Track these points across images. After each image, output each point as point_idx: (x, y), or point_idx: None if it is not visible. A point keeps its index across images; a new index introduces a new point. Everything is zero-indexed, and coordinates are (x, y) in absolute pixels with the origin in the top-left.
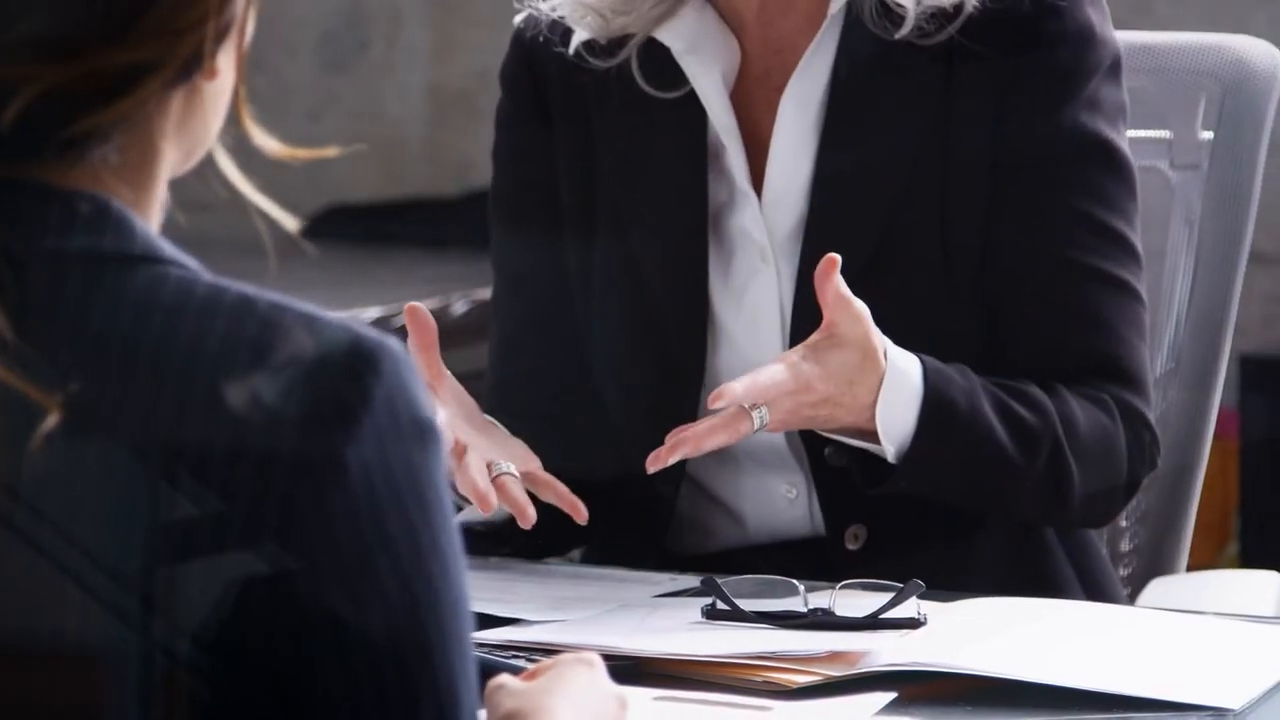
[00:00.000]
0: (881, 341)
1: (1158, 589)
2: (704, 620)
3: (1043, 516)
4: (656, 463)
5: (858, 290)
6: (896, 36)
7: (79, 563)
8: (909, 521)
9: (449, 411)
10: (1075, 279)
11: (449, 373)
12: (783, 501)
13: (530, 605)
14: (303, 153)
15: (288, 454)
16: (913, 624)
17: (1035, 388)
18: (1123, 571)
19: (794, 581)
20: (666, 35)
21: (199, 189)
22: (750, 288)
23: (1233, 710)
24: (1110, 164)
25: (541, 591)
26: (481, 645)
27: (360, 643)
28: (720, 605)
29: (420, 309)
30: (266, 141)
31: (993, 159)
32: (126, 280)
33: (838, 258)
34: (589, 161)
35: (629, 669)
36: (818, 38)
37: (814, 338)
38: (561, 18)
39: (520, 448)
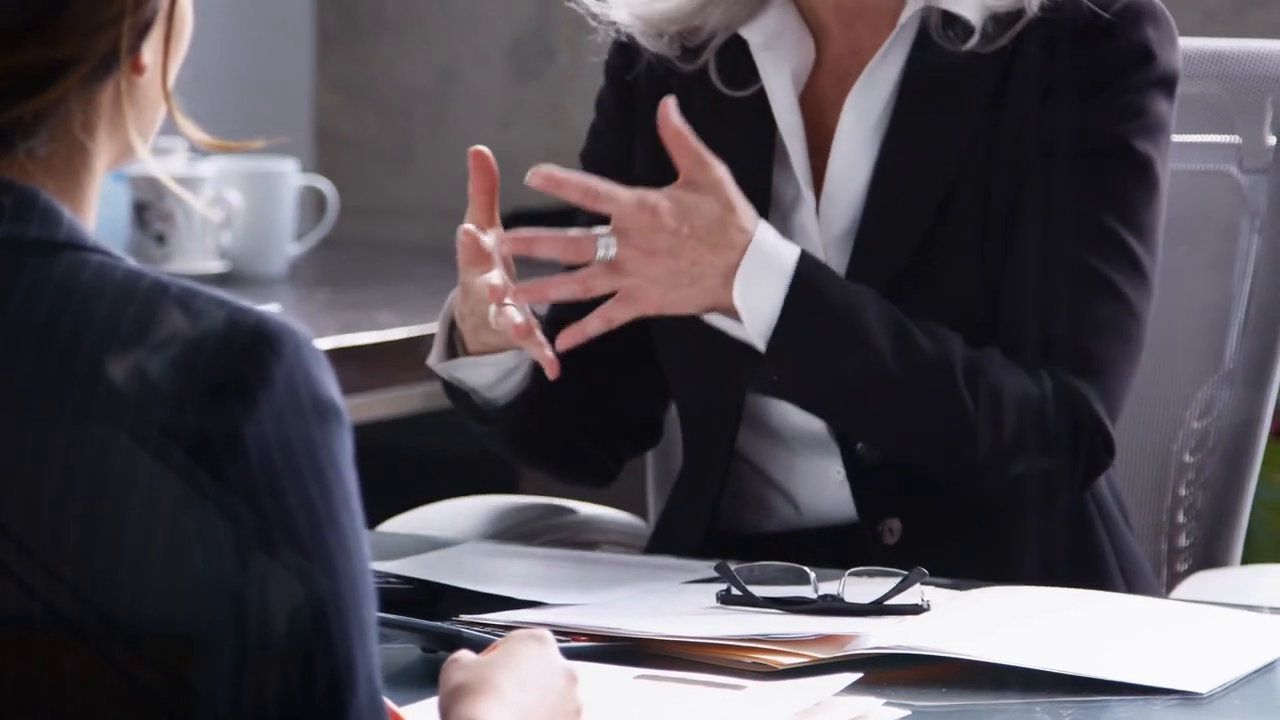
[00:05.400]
0: (750, 212)
1: (1197, 582)
2: (718, 605)
3: (948, 457)
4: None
5: (901, 284)
6: (964, 48)
7: None
8: (944, 515)
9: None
10: (1066, 274)
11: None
12: (834, 484)
13: (557, 589)
14: (232, 144)
15: (188, 430)
16: (916, 610)
17: (945, 330)
18: (1180, 567)
19: (805, 569)
20: (749, 31)
21: (396, 196)
22: None
23: (1200, 695)
24: (1134, 174)
25: (576, 576)
26: (484, 626)
27: (255, 613)
28: (734, 591)
29: (485, 154)
30: (195, 134)
31: (1028, 158)
32: (49, 265)
33: (670, 101)
34: (664, 161)
35: (630, 650)
36: (885, 45)
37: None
38: (631, 38)
39: None
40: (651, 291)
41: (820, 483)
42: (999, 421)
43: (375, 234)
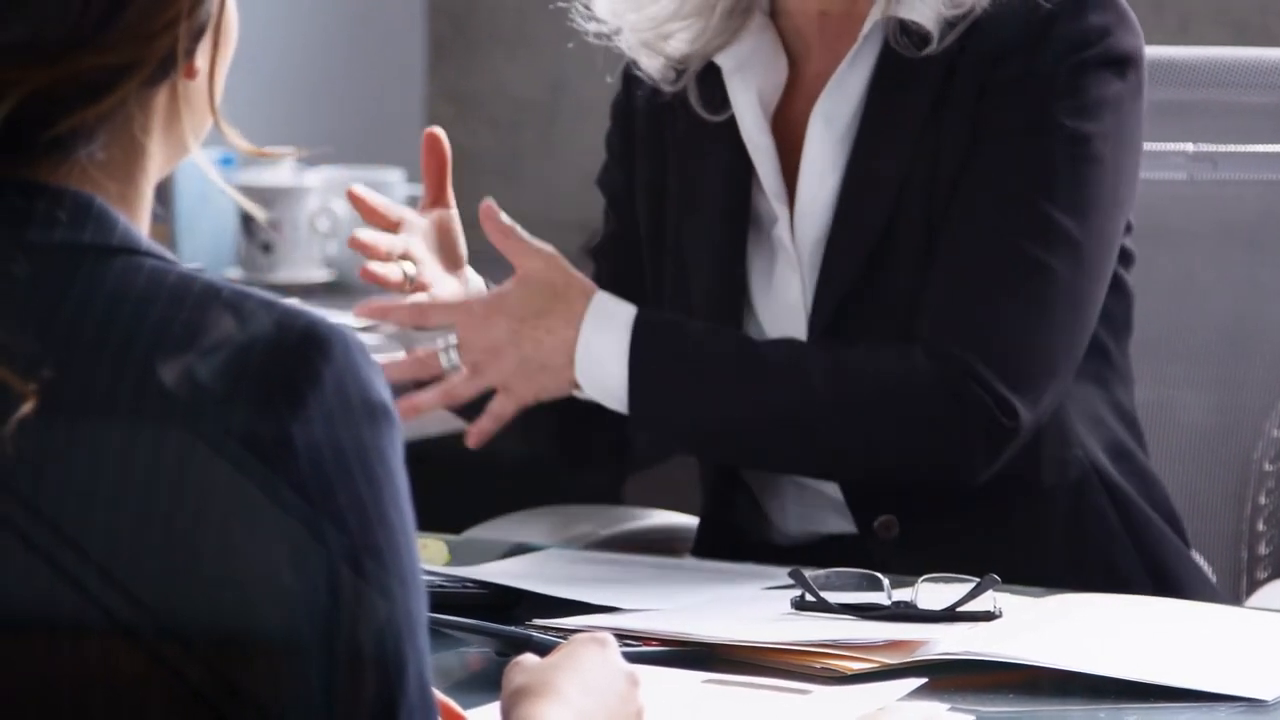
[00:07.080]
0: (586, 285)
1: (1273, 590)
2: (793, 611)
3: (831, 470)
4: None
5: (865, 289)
6: (921, 54)
7: (45, 536)
8: (938, 510)
9: (421, 246)
10: (979, 255)
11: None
12: (829, 487)
13: (634, 595)
14: (269, 150)
15: (238, 432)
16: (988, 617)
17: (798, 341)
18: (1260, 574)
19: (879, 575)
20: (722, 57)
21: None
22: (784, 293)
23: (1266, 702)
24: (1065, 150)
25: (654, 582)
26: (556, 630)
27: (305, 610)
28: (808, 597)
29: (439, 136)
30: (238, 140)
31: (969, 152)
32: (103, 269)
33: (490, 206)
34: (661, 183)
35: (701, 655)
36: (850, 55)
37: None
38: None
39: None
40: (515, 384)
41: (815, 487)
42: (862, 420)
43: (483, 244)
